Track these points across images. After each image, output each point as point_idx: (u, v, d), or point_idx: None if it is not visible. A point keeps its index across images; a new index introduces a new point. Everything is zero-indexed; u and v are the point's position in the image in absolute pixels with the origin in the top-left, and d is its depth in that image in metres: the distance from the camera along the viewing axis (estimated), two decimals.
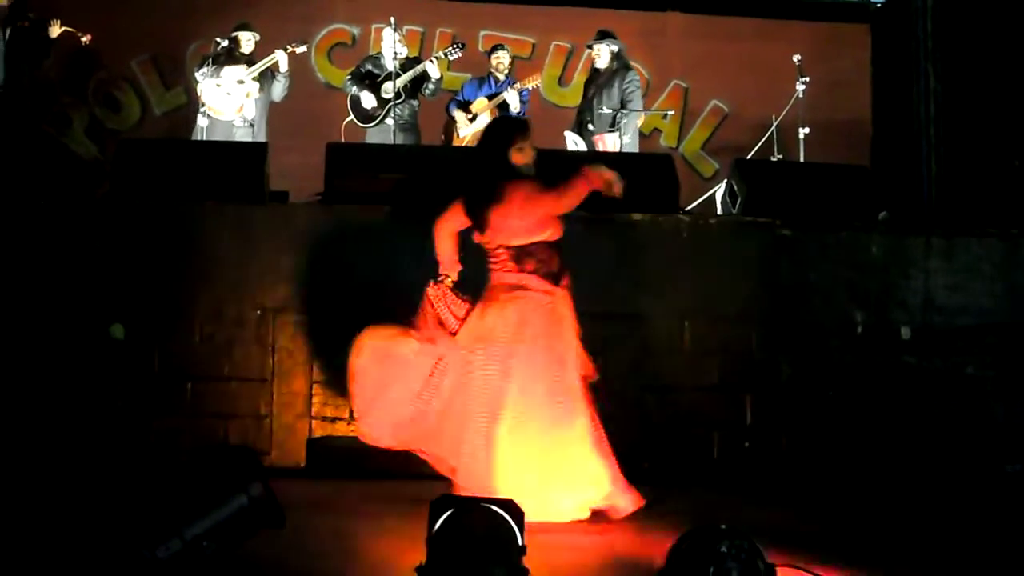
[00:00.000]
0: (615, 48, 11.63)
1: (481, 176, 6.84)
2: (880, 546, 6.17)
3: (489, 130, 7.40)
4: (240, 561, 4.59)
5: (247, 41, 11.59)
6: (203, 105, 11.39)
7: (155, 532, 4.42)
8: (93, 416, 7.97)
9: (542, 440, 6.54)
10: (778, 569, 4.63)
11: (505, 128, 7.18)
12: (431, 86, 11.65)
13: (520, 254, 6.73)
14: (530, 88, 12.12)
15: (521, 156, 6.81)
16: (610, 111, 11.42)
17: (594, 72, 11.81)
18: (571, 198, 6.77)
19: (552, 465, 6.57)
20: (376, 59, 11.83)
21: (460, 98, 11.97)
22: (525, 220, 6.70)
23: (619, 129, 11.33)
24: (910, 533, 6.54)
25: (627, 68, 11.66)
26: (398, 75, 11.37)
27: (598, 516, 6.66)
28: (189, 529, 4.43)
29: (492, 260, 6.83)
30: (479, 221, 6.77)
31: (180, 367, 8.18)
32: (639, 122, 11.66)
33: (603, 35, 11.73)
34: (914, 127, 12.04)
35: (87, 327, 8.09)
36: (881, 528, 6.68)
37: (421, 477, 7.36)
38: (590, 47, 11.87)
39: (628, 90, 11.47)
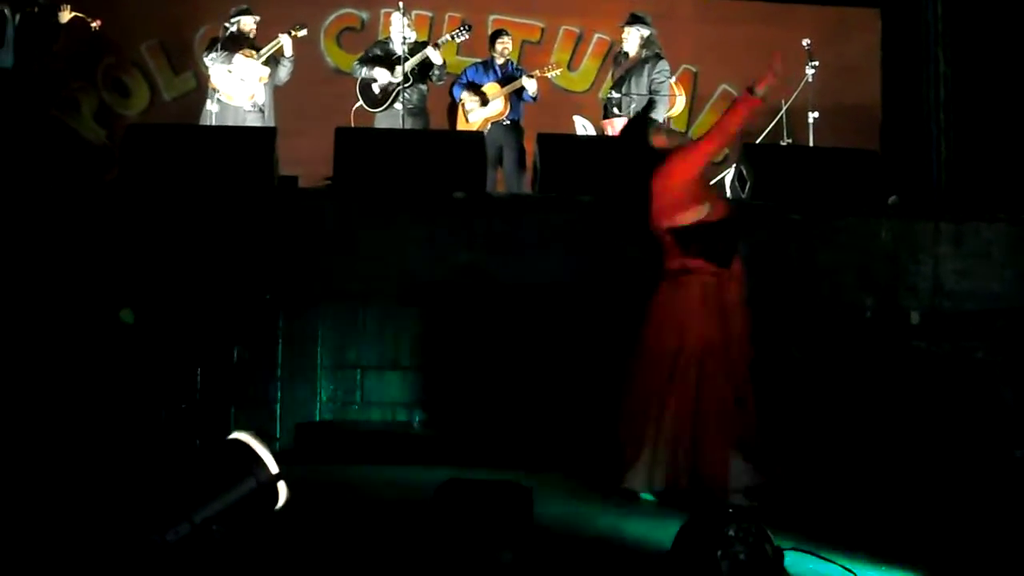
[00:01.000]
0: (645, 33, 11.55)
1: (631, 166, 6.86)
2: (888, 530, 6.17)
3: (627, 130, 7.47)
4: (248, 544, 4.59)
5: (251, 25, 11.58)
6: (216, 91, 11.38)
7: (164, 516, 4.43)
8: (102, 401, 7.98)
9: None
10: (785, 552, 4.64)
11: (639, 124, 7.37)
12: (436, 71, 11.62)
13: (684, 237, 6.72)
14: (550, 77, 12.12)
15: (662, 139, 6.83)
16: (642, 95, 11.38)
17: (622, 56, 11.76)
18: (727, 123, 6.84)
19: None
20: (385, 44, 11.80)
21: (465, 80, 11.92)
22: (679, 188, 6.73)
23: (628, 114, 11.30)
24: (918, 517, 6.53)
25: (659, 57, 11.57)
26: (406, 59, 11.35)
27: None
28: (198, 513, 4.43)
29: (664, 249, 6.86)
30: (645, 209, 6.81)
31: (190, 352, 8.19)
32: (665, 112, 11.60)
33: (634, 19, 11.65)
34: (924, 111, 12.02)
35: (97, 312, 8.10)
36: (889, 512, 6.67)
37: (432, 463, 7.41)
38: (621, 27, 11.79)
39: (658, 80, 11.42)
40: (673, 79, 11.70)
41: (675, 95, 11.55)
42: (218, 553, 4.39)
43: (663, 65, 11.48)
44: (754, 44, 13.42)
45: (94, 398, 7.98)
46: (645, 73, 11.41)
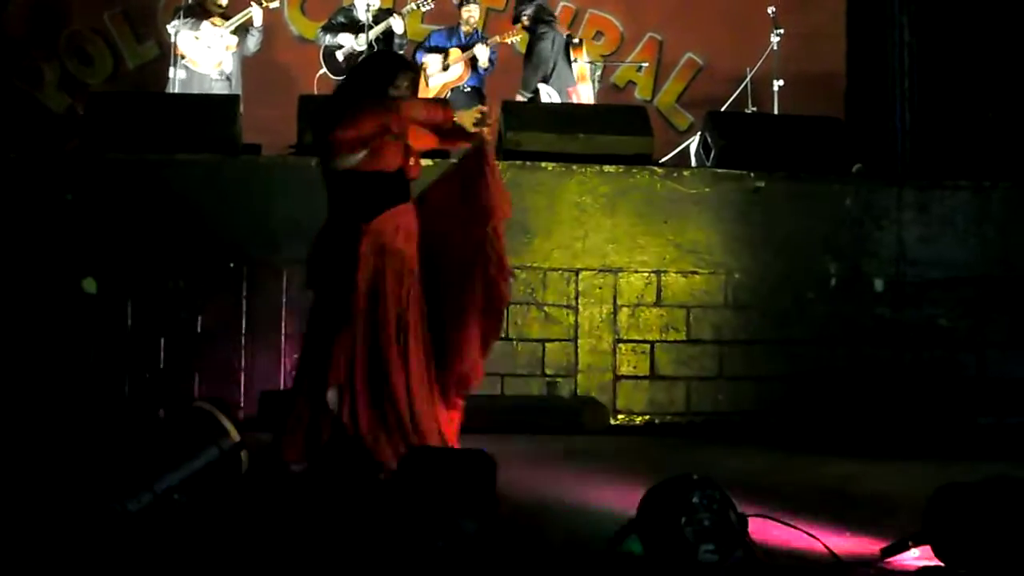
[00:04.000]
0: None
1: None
2: (850, 498, 6.20)
3: (373, 61, 7.29)
4: (209, 513, 4.58)
5: None
6: (182, 57, 11.29)
7: (126, 485, 4.41)
8: (65, 370, 7.95)
9: None
10: (749, 519, 4.64)
11: (391, 64, 6.87)
12: (398, 40, 11.57)
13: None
14: (511, 43, 12.10)
15: (397, 94, 6.54)
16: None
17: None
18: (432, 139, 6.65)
19: None
20: (348, 11, 11.74)
21: (428, 44, 11.88)
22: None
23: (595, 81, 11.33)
24: (881, 484, 6.57)
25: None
26: (370, 27, 11.31)
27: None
28: (160, 482, 4.42)
29: None
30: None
31: (153, 321, 8.16)
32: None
33: None
34: (888, 79, 12.02)
35: (59, 281, 8.06)
36: (851, 480, 6.70)
37: None
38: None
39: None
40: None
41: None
42: (180, 521, 4.38)
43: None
44: (720, 12, 13.43)
45: (57, 368, 7.95)
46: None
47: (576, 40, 12.04)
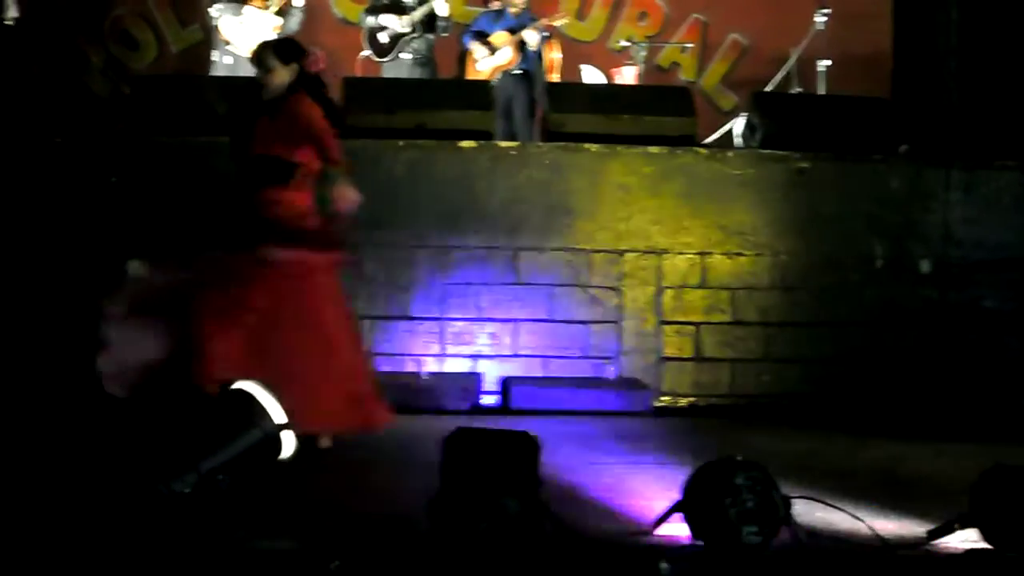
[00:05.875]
0: None
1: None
2: (895, 480, 6.17)
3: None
4: (254, 494, 4.59)
5: None
6: (226, 43, 11.31)
7: (171, 466, 4.43)
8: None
9: None
10: (794, 501, 4.63)
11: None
12: (441, 23, 11.55)
13: None
14: (558, 25, 12.05)
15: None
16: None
17: None
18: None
19: None
20: None
21: (475, 29, 11.84)
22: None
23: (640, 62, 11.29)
24: (926, 466, 6.54)
25: None
26: (413, 9, 11.30)
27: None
28: (204, 463, 4.43)
29: None
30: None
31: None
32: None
33: None
34: (935, 59, 11.93)
35: (105, 263, 8.09)
36: (896, 462, 6.68)
37: (436, 411, 7.44)
38: None
39: None
40: None
41: None
42: (223, 502, 4.40)
43: None
44: None
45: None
46: None
47: None
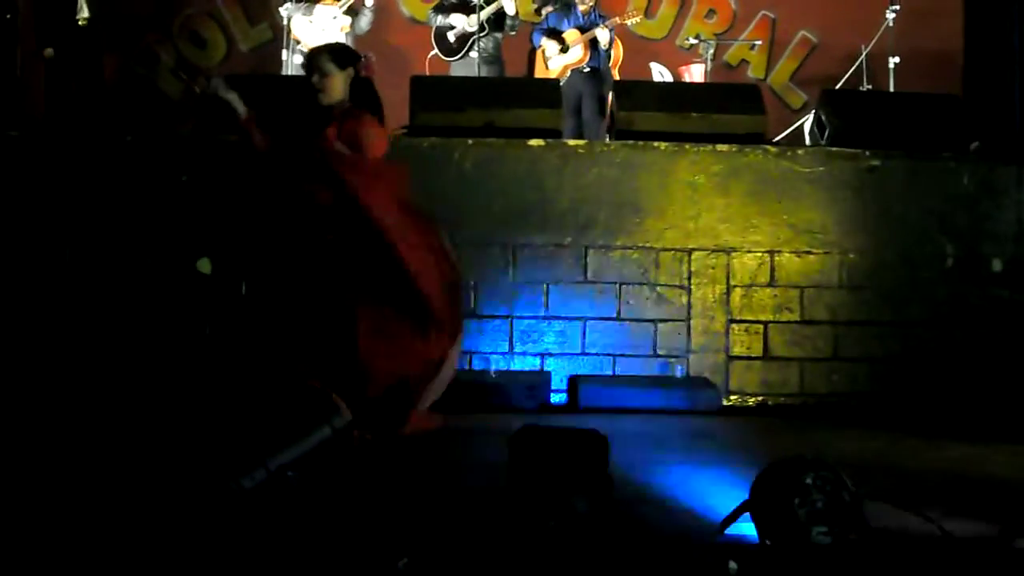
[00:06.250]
0: None
1: None
2: (967, 481, 6.12)
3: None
4: (323, 491, 4.62)
5: None
6: (298, 42, 11.40)
7: (241, 463, 4.46)
8: (183, 351, 8.04)
9: None
10: (865, 501, 4.60)
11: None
12: (509, 21, 11.58)
13: None
14: (629, 24, 12.05)
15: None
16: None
17: None
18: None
19: None
20: None
21: (545, 26, 11.83)
22: None
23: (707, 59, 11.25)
24: (998, 468, 6.48)
25: None
26: (481, 7, 11.33)
27: None
28: (274, 460, 4.46)
29: None
30: None
31: (267, 300, 8.22)
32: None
33: None
34: (1007, 55, 11.81)
35: (176, 261, 8.16)
36: (968, 463, 6.62)
37: (505, 410, 7.45)
38: None
39: None
40: None
41: None
42: (293, 499, 4.42)
43: None
44: None
45: (175, 349, 8.05)
46: None
47: None
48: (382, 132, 6.79)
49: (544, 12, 12.06)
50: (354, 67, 6.79)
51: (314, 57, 6.90)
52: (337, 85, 6.73)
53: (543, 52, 11.63)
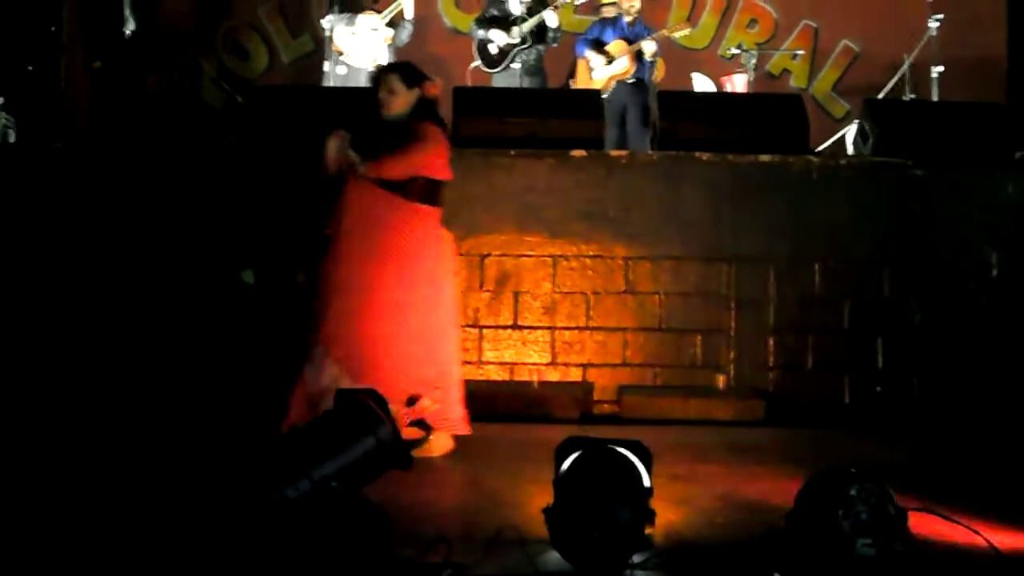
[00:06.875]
0: None
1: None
2: (1013, 494, 6.08)
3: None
4: (366, 502, 4.62)
5: None
6: (340, 53, 11.45)
7: (285, 472, 4.48)
8: (226, 360, 8.07)
9: None
10: (909, 513, 4.58)
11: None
12: (551, 33, 11.60)
13: None
14: (677, 37, 12.05)
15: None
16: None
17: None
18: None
19: None
20: (501, 3, 11.78)
21: (590, 37, 11.82)
22: None
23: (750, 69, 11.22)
24: None
25: None
26: (524, 20, 11.35)
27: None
28: (318, 470, 4.48)
29: None
30: None
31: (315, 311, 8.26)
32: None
33: None
34: None
35: (218, 273, 8.20)
36: (1014, 475, 6.58)
37: (547, 420, 7.45)
38: None
39: None
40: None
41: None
42: (337, 509, 4.43)
43: None
44: None
45: (218, 358, 8.08)
46: None
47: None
48: (444, 145, 6.84)
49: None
50: (420, 87, 6.85)
51: (384, 74, 6.97)
52: (403, 103, 6.79)
53: (587, 63, 11.62)
